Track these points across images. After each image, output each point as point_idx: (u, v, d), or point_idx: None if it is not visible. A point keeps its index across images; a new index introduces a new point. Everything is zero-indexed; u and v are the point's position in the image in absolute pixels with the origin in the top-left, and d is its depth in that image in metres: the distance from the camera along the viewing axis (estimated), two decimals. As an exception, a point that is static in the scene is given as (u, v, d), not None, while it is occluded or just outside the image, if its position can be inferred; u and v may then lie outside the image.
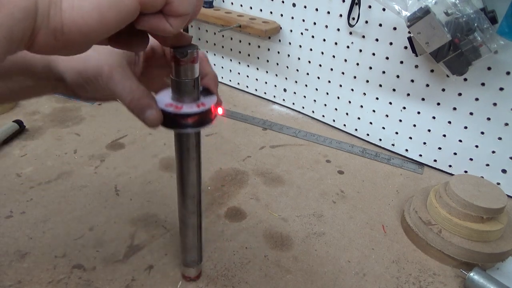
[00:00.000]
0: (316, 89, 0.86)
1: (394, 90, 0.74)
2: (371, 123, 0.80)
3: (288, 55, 0.86)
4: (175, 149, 0.38)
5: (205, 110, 0.34)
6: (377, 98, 0.77)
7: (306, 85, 0.87)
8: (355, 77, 0.78)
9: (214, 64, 1.02)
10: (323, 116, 0.87)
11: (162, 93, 0.36)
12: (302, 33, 0.82)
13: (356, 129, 0.83)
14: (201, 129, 0.36)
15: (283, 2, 0.82)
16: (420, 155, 0.76)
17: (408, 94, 0.72)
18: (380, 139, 0.80)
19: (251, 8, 0.88)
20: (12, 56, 0.32)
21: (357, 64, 0.76)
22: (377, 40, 0.72)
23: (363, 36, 0.73)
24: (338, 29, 0.76)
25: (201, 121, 0.34)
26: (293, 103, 0.92)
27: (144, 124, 0.33)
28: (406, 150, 0.77)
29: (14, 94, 0.36)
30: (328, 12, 0.76)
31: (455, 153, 0.71)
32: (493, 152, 0.67)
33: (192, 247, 0.45)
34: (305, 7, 0.79)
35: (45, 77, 0.35)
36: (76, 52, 0.25)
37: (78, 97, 0.38)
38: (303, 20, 0.80)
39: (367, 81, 0.77)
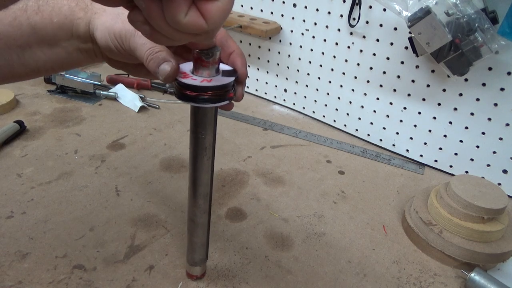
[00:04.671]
0: (317, 90, 0.86)
1: (394, 90, 0.74)
2: (371, 123, 0.80)
3: (289, 56, 0.86)
4: (190, 149, 0.38)
5: (225, 84, 0.33)
6: (377, 99, 0.77)
7: (306, 86, 0.87)
8: (355, 78, 0.78)
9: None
10: (324, 116, 0.87)
11: (182, 66, 0.35)
12: (302, 34, 0.82)
13: (356, 130, 0.83)
14: (217, 105, 0.34)
15: (283, 2, 0.82)
16: (421, 156, 0.76)
17: (409, 95, 0.72)
18: (381, 140, 0.80)
19: (251, 8, 0.88)
20: (61, 21, 0.35)
21: (358, 64, 0.76)
22: (377, 40, 0.72)
23: (364, 37, 0.73)
24: (339, 30, 0.76)
25: (219, 96, 0.33)
26: (294, 104, 0.92)
27: (159, 77, 0.33)
28: (407, 150, 0.77)
29: (61, 62, 0.39)
30: (329, 13, 0.76)
31: (456, 154, 0.71)
32: (494, 152, 0.67)
33: (201, 245, 0.45)
34: (305, 7, 0.79)
35: (85, 40, 0.38)
36: None
37: (109, 63, 0.41)
38: (304, 21, 0.80)
39: (368, 82, 0.77)
